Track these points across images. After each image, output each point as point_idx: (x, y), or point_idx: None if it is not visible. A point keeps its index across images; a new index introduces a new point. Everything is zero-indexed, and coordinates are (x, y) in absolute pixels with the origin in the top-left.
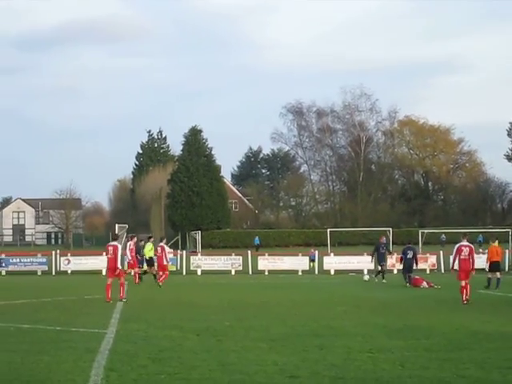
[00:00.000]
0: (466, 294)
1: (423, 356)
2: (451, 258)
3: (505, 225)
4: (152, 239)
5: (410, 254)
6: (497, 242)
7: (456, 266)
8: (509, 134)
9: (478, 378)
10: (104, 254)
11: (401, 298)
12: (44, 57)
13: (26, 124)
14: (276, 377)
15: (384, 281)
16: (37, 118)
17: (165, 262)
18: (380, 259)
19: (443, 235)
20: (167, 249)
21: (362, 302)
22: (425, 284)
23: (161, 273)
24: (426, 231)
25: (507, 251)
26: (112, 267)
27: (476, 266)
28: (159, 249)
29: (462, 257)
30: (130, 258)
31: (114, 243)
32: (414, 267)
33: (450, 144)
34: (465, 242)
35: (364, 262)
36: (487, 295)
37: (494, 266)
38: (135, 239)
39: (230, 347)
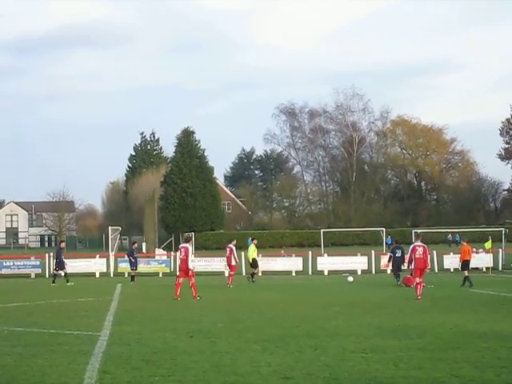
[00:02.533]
0: (419, 292)
1: (417, 356)
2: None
3: (498, 224)
4: (255, 241)
5: (398, 253)
6: (487, 242)
7: (412, 265)
8: (501, 134)
9: (472, 377)
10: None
11: (394, 298)
12: (36, 61)
13: (18, 127)
14: (270, 378)
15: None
16: (30, 121)
17: (233, 263)
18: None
19: (450, 235)
20: (234, 250)
21: (355, 302)
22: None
23: (232, 273)
24: (419, 231)
25: (500, 250)
26: (184, 268)
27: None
28: (228, 250)
29: (416, 256)
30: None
31: (186, 245)
32: (404, 266)
33: (443, 144)
34: (419, 243)
35: (357, 263)
36: (481, 294)
37: (466, 265)
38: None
39: (224, 349)
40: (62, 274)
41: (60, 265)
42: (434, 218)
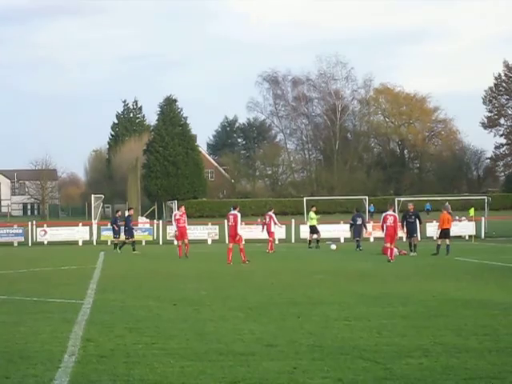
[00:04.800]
0: (391, 255)
1: (400, 323)
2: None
3: (481, 192)
4: (314, 208)
5: (359, 221)
6: (470, 210)
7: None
8: (484, 102)
9: (454, 344)
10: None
11: (378, 266)
12: (20, 28)
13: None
14: (253, 345)
15: (413, 254)
16: (12, 89)
17: (272, 229)
18: (410, 230)
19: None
20: (274, 218)
21: (338, 270)
22: (396, 252)
23: (271, 239)
24: (401, 199)
25: (483, 218)
26: (233, 234)
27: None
28: (267, 217)
29: (387, 224)
30: (176, 228)
31: (234, 212)
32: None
33: (426, 112)
34: (390, 212)
35: (340, 231)
36: (463, 262)
37: (445, 233)
38: (183, 208)
39: (207, 317)
40: (120, 240)
41: (130, 232)
42: (417, 186)
